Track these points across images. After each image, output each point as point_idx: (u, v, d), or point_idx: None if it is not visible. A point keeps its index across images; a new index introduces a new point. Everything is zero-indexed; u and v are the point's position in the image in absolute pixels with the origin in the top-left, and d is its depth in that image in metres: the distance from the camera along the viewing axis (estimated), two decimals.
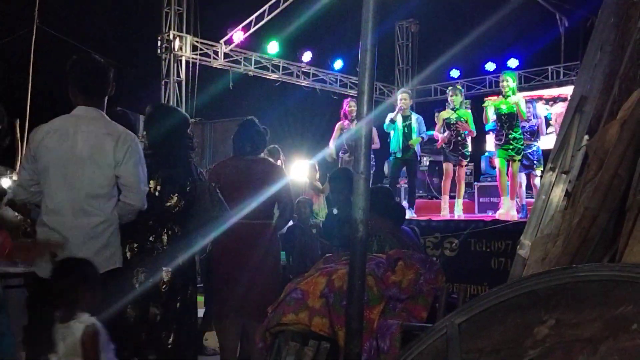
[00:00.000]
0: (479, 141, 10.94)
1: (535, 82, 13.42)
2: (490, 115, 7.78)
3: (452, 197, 8.06)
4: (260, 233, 3.95)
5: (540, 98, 12.59)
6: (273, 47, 12.52)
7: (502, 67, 13.05)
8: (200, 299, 4.20)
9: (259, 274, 3.86)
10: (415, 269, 2.87)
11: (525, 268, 2.60)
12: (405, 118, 7.96)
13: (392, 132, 8.04)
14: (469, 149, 8.18)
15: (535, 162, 8.02)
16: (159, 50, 11.34)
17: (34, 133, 2.95)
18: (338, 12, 11.25)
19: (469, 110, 8.29)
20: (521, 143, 7.39)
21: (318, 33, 12.59)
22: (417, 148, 8.06)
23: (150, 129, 3.63)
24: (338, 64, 14.00)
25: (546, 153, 6.40)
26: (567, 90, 11.56)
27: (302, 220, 5.76)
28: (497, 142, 7.49)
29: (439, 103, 12.63)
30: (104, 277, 2.76)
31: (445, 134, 7.84)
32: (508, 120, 7.30)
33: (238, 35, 11.96)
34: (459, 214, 7.78)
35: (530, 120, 8.19)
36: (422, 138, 8.17)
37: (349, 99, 8.73)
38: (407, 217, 5.57)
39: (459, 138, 7.85)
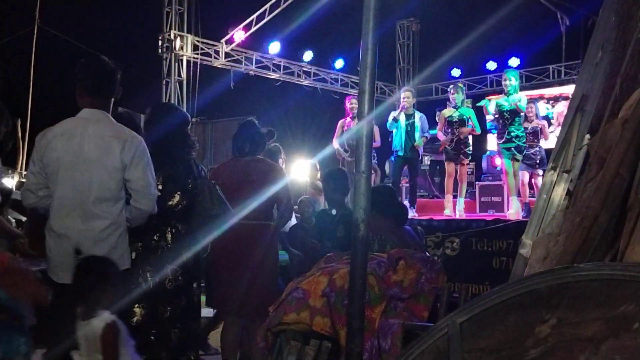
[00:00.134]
0: (480, 140, 10.94)
1: (537, 81, 13.41)
2: (491, 109, 7.78)
3: (454, 196, 8.06)
4: (259, 234, 3.95)
5: (541, 97, 12.59)
6: (274, 46, 12.51)
7: (503, 66, 13.04)
8: (202, 298, 4.20)
9: (259, 274, 3.87)
10: (417, 269, 2.87)
11: (527, 267, 2.60)
12: (409, 116, 7.96)
13: (394, 131, 8.04)
14: (471, 148, 8.18)
15: (537, 162, 8.02)
16: (160, 50, 11.34)
17: (41, 137, 2.94)
18: (339, 12, 11.26)
19: (471, 108, 8.30)
20: (523, 141, 7.39)
21: (319, 32, 12.60)
22: (419, 147, 8.07)
23: (151, 128, 3.63)
24: (339, 63, 13.99)
25: (548, 153, 6.39)
26: (568, 90, 11.54)
27: (305, 220, 5.75)
28: (499, 140, 7.49)
29: (440, 102, 12.63)
30: None
31: (448, 137, 7.83)
32: (510, 117, 7.30)
33: (239, 34, 11.96)
34: (460, 213, 7.78)
35: (533, 120, 8.19)
36: (426, 137, 8.17)
37: (350, 97, 8.71)
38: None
39: (461, 137, 7.85)
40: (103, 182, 2.88)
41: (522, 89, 8.90)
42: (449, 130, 7.92)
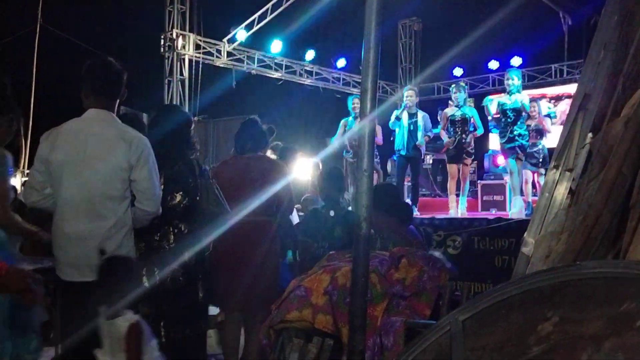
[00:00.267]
0: (482, 139, 10.92)
1: (539, 80, 13.40)
2: (492, 109, 7.77)
3: (456, 195, 8.06)
4: (260, 230, 3.96)
5: (543, 96, 12.58)
6: (276, 45, 12.50)
7: (505, 65, 13.02)
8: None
9: (260, 270, 3.87)
10: (419, 267, 2.88)
11: (529, 266, 2.60)
12: (411, 115, 7.95)
13: (397, 130, 8.04)
14: (473, 147, 8.17)
15: (540, 161, 8.01)
16: (162, 49, 11.35)
17: (46, 136, 2.96)
18: (341, 11, 11.24)
19: (473, 107, 8.29)
20: (526, 139, 7.39)
21: (321, 32, 12.59)
22: (421, 146, 8.06)
23: (153, 128, 3.65)
24: (341, 62, 13.98)
25: (551, 152, 6.39)
26: (571, 89, 11.54)
27: None
28: (502, 140, 7.48)
29: (442, 101, 12.62)
30: None
31: (450, 138, 7.83)
32: (513, 116, 7.29)
33: (241, 33, 11.96)
34: (462, 211, 7.78)
35: (536, 118, 8.18)
36: (429, 137, 8.17)
37: (354, 96, 8.72)
38: None
39: (464, 136, 7.85)
40: (109, 181, 2.89)
41: (525, 88, 8.90)
42: (452, 129, 7.91)
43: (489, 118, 8.00)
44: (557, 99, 12.87)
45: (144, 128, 3.65)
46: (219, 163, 4.67)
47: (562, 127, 3.19)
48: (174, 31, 11.16)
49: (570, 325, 1.52)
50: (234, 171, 4.07)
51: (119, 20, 11.68)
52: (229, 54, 12.08)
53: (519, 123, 7.30)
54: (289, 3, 11.60)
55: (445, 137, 7.96)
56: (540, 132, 8.11)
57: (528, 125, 7.68)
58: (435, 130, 8.61)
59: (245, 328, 4.02)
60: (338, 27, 12.32)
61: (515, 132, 7.29)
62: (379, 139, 7.73)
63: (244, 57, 12.31)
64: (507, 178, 8.62)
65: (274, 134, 4.72)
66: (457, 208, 7.82)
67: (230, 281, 3.85)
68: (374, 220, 2.21)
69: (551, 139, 8.31)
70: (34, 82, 10.18)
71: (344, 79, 14.11)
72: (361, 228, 2.09)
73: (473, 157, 8.31)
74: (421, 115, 8.01)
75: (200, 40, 11.54)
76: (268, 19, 11.87)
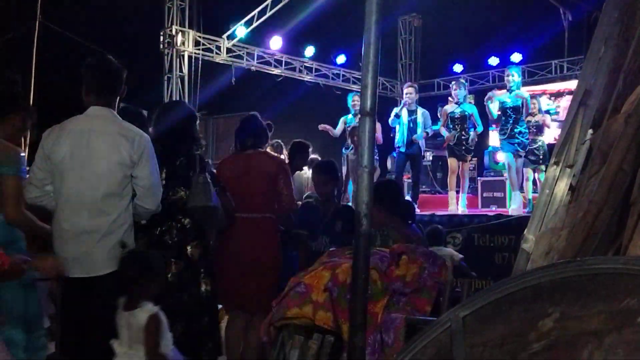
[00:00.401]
0: (482, 136, 10.91)
1: (539, 76, 13.38)
2: (494, 110, 7.77)
3: (456, 192, 8.06)
4: (261, 226, 3.95)
5: (543, 93, 12.57)
6: (276, 42, 12.49)
7: (505, 61, 13.02)
8: None
9: (260, 267, 3.87)
10: (419, 263, 2.88)
11: (529, 262, 2.60)
12: (411, 112, 7.95)
13: (397, 127, 8.03)
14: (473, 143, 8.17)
15: (541, 157, 8.01)
16: (161, 46, 11.34)
17: (48, 133, 2.98)
18: (341, 7, 11.22)
19: (473, 104, 8.29)
20: (526, 137, 7.39)
21: (321, 28, 12.55)
22: (421, 143, 8.05)
23: (158, 124, 3.65)
24: (341, 58, 13.96)
25: (551, 149, 6.40)
26: (571, 85, 11.51)
27: None
28: (502, 137, 7.47)
29: (442, 98, 12.60)
30: None
31: (451, 133, 7.82)
32: (513, 114, 7.29)
33: (240, 30, 11.94)
34: (462, 208, 7.78)
35: (536, 114, 8.18)
36: (427, 133, 8.16)
37: (353, 93, 8.72)
38: None
39: (463, 133, 7.85)
40: (110, 178, 2.91)
41: (525, 84, 8.89)
42: (452, 126, 7.91)
43: (494, 118, 7.97)
44: (558, 95, 12.86)
45: (146, 122, 3.66)
46: (219, 160, 4.66)
47: (562, 123, 3.19)
48: (174, 27, 11.15)
49: (571, 321, 1.52)
50: (235, 167, 4.07)
51: (118, 16, 11.65)
52: (229, 50, 12.07)
53: (519, 121, 7.30)
54: None
55: (445, 133, 7.96)
56: (540, 129, 8.11)
57: (528, 122, 7.68)
58: (435, 127, 8.61)
59: (246, 325, 4.02)
60: (338, 24, 12.29)
61: (515, 130, 7.29)
62: (379, 137, 7.73)
63: (243, 53, 12.30)
64: (506, 174, 8.62)
65: (272, 131, 4.72)
66: (458, 205, 7.83)
67: (231, 278, 3.85)
68: (375, 216, 2.20)
69: (549, 135, 8.31)
70: (33, 79, 10.16)
71: (343, 76, 14.10)
72: (361, 224, 2.08)
73: (472, 153, 8.32)
74: (421, 112, 8.00)
75: (199, 37, 11.53)
76: (267, 15, 11.85)
